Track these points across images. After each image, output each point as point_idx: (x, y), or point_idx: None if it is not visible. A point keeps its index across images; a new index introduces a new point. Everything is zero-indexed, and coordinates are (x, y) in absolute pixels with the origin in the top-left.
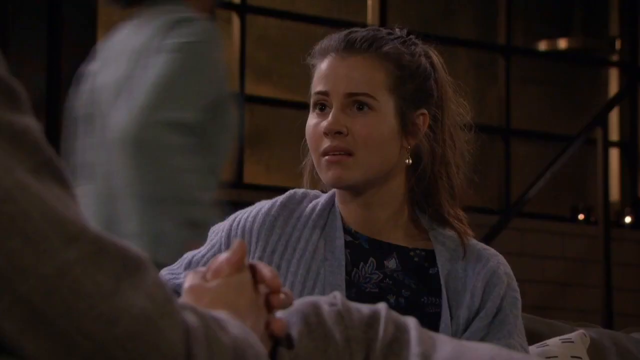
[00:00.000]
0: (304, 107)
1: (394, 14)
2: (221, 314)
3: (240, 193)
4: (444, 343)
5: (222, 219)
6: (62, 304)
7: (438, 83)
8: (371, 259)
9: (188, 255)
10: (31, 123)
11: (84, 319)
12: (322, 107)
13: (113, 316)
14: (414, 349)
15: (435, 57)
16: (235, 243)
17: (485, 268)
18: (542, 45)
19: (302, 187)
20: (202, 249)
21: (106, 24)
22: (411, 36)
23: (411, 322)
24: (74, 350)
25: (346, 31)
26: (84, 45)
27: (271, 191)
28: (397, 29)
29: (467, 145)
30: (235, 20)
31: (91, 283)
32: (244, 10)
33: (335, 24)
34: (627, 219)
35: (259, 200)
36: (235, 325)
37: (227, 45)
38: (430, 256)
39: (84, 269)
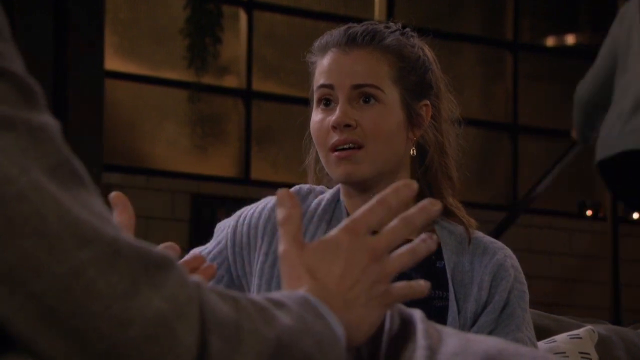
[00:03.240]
0: (310, 104)
1: (401, 10)
2: (283, 297)
3: (247, 189)
4: (450, 336)
5: (229, 215)
6: (75, 304)
7: (435, 75)
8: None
9: (195, 252)
10: (49, 121)
11: (98, 320)
12: (327, 102)
13: (127, 318)
14: (420, 341)
15: (429, 51)
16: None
17: (492, 261)
18: (550, 41)
19: (308, 184)
20: (209, 245)
21: (112, 21)
22: (407, 29)
23: (417, 314)
24: (88, 350)
25: (345, 27)
26: (91, 44)
27: (278, 187)
28: (391, 23)
29: (457, 139)
30: (243, 17)
31: (105, 284)
32: (251, 7)
33: (342, 21)
34: (635, 215)
35: (265, 196)
36: (294, 313)
37: (234, 42)
38: (437, 249)
39: (98, 270)
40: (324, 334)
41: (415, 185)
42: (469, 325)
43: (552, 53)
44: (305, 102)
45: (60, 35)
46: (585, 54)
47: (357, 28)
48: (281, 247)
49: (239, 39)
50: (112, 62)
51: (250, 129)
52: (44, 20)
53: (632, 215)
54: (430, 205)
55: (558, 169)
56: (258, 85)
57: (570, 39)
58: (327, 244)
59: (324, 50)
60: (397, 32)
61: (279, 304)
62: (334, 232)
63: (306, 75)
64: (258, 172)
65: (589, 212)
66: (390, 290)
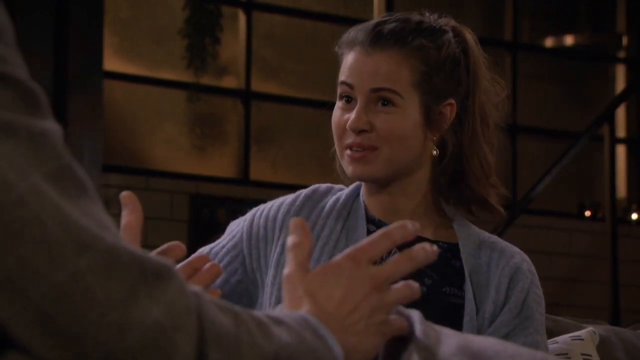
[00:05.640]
0: (310, 104)
1: (400, 11)
2: (282, 315)
3: (246, 190)
4: (449, 336)
5: (229, 216)
6: (73, 312)
7: (469, 68)
8: (394, 248)
9: (205, 249)
10: (51, 127)
11: (95, 328)
12: (348, 99)
13: (124, 326)
14: (419, 342)
15: (470, 37)
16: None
17: (510, 264)
18: (549, 42)
19: (333, 170)
20: (221, 240)
21: (112, 21)
22: (440, 22)
23: (415, 315)
24: (85, 356)
25: (375, 21)
26: (90, 43)
27: (277, 188)
28: (427, 15)
29: (500, 121)
30: (242, 17)
31: (103, 292)
32: (250, 8)
33: (341, 21)
34: (634, 216)
35: (265, 197)
36: (293, 331)
37: (233, 42)
38: (454, 249)
39: (96, 277)
40: (322, 353)
41: (418, 225)
42: (487, 325)
43: (551, 53)
44: (305, 103)
45: (60, 35)
46: (584, 54)
47: (386, 26)
48: (286, 270)
49: (238, 40)
50: (112, 63)
51: (250, 130)
52: (44, 20)
53: (630, 216)
54: (429, 248)
55: (557, 170)
56: (257, 85)
57: (569, 40)
58: (330, 270)
59: (350, 45)
60: (427, 31)
61: (278, 321)
62: (337, 258)
63: (305, 75)
64: (257, 172)
65: (588, 213)
66: (389, 321)
